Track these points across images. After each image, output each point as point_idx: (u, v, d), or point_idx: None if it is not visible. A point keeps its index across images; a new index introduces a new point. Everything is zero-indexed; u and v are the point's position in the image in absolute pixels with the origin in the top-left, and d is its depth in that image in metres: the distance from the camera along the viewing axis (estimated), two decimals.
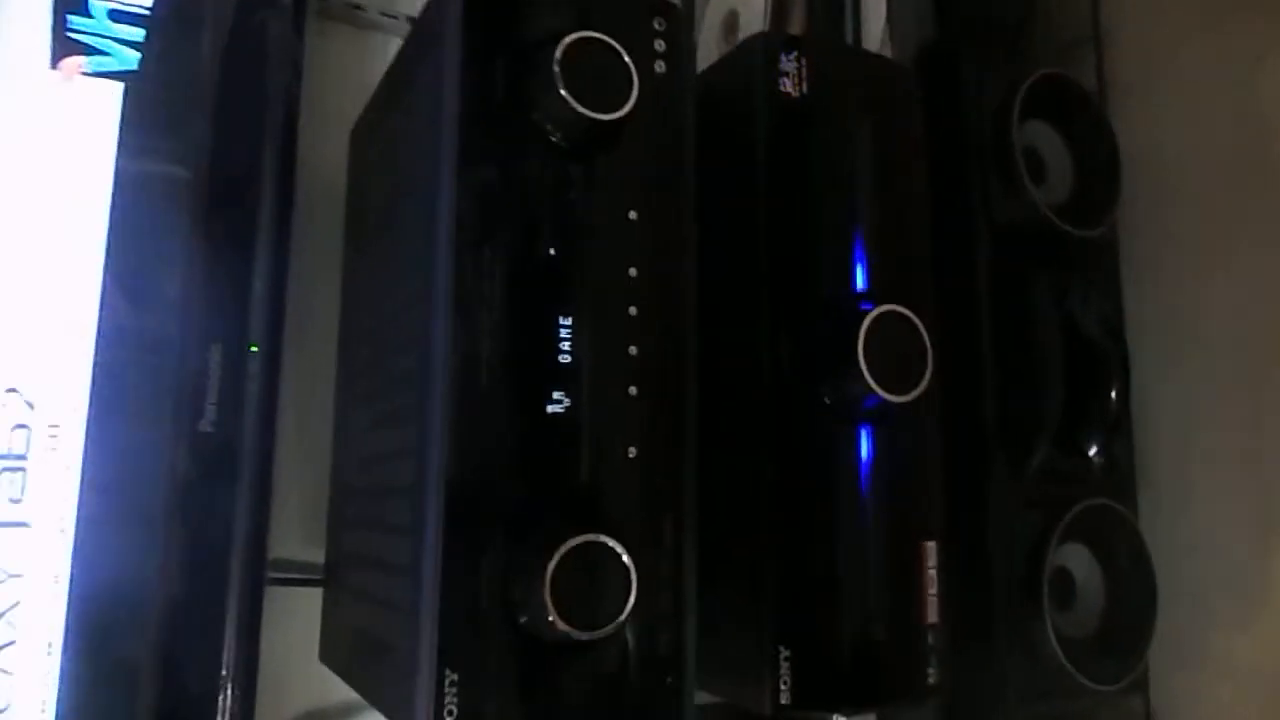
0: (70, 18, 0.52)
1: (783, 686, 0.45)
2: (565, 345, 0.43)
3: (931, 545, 0.51)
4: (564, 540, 0.38)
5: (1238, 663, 0.62)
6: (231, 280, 0.53)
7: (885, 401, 0.47)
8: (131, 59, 0.53)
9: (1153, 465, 0.67)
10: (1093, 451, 0.61)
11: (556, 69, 0.42)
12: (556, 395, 0.42)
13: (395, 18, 0.66)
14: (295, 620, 0.57)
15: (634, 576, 0.40)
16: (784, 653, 0.46)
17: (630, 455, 0.43)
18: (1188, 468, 0.66)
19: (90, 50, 0.52)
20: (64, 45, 0.52)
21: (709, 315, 0.50)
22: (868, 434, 0.49)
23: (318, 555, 0.59)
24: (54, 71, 0.51)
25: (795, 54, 0.51)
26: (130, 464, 0.49)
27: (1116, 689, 0.58)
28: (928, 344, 0.49)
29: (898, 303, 0.49)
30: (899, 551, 0.50)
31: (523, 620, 0.39)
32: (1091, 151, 0.65)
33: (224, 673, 0.46)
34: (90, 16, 0.53)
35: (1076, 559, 0.61)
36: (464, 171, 0.42)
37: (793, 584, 0.47)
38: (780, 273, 0.49)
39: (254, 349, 0.53)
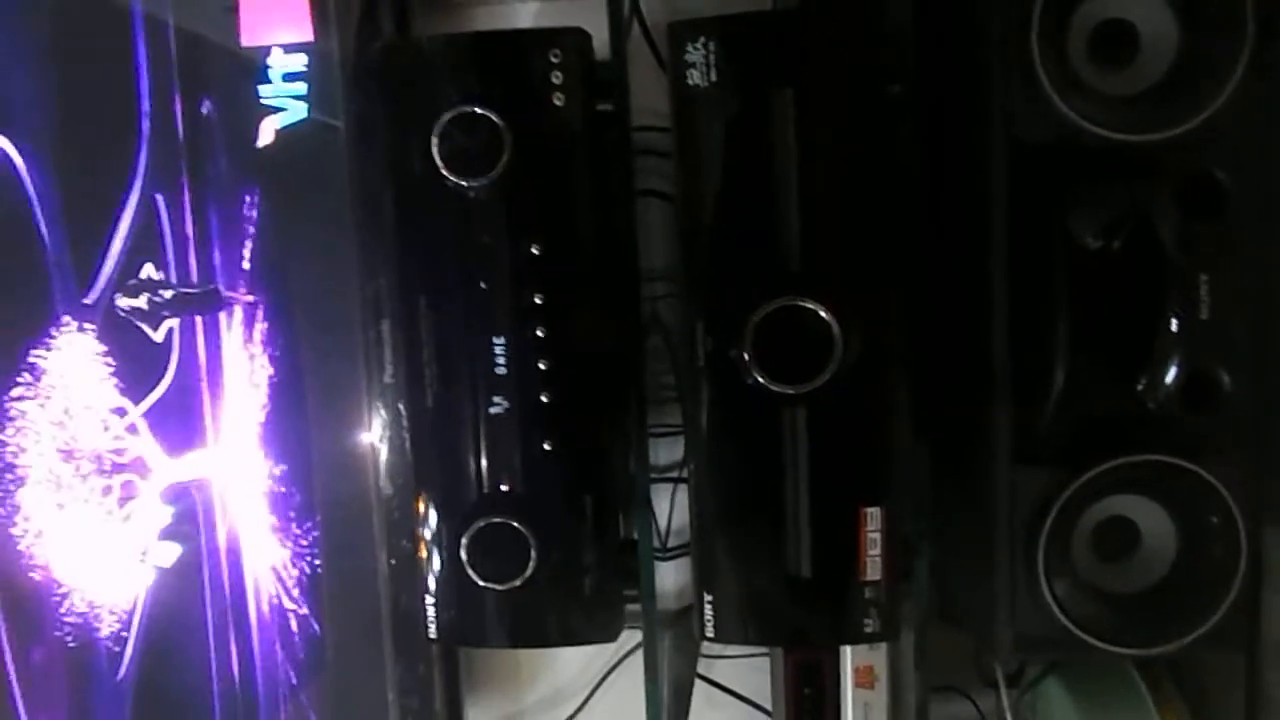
0: (259, 88, 0.73)
1: (706, 621, 0.55)
2: (500, 360, 0.54)
3: (873, 510, 0.53)
4: (474, 522, 0.53)
5: None
6: None
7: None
8: (302, 109, 0.72)
9: None
10: (1166, 382, 0.52)
11: (434, 146, 0.51)
12: (496, 399, 0.55)
13: None
14: None
15: (532, 546, 0.53)
16: (706, 596, 0.55)
17: (546, 449, 0.54)
18: None
19: (276, 110, 0.73)
20: (258, 110, 0.73)
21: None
22: (788, 412, 0.52)
23: None
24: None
25: (702, 40, 0.51)
26: None
27: (1148, 653, 0.53)
28: (835, 334, 0.49)
29: (822, 287, 0.50)
30: (832, 517, 0.53)
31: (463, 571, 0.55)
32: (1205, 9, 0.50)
33: None
34: (270, 82, 0.73)
35: (1145, 512, 0.55)
36: (401, 233, 0.54)
37: (718, 541, 0.54)
38: (695, 263, 0.53)
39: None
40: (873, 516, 0.53)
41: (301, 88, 0.71)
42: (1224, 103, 0.50)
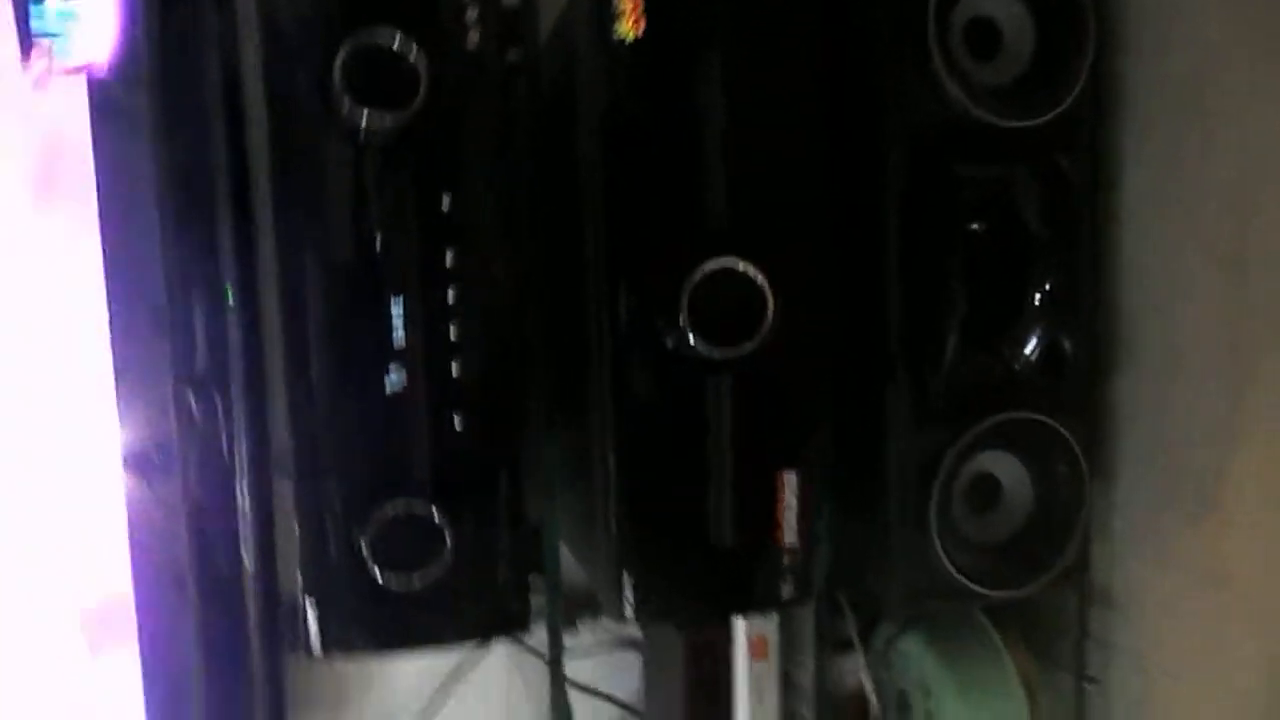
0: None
1: (627, 603, 0.52)
2: (398, 327, 0.48)
3: (790, 475, 0.53)
4: (380, 511, 0.46)
5: (1184, 556, 0.60)
6: None
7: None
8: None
9: (1140, 344, 0.63)
10: (1028, 351, 0.58)
11: (337, 78, 0.44)
12: (393, 374, 0.48)
13: None
14: None
15: (447, 533, 0.47)
16: (627, 576, 0.52)
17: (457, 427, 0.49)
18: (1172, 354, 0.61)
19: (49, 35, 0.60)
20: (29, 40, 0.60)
21: (561, 272, 0.53)
22: (713, 378, 0.51)
23: None
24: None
25: None
26: None
27: (1016, 594, 0.59)
28: (768, 297, 0.49)
29: (752, 249, 0.49)
30: (750, 482, 0.53)
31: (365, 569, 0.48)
32: (1054, 12, 0.56)
33: None
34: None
35: (1005, 465, 0.60)
36: (278, 178, 0.47)
37: (636, 516, 0.52)
38: (620, 225, 0.50)
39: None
40: (790, 481, 0.53)
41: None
42: (1076, 96, 0.56)
